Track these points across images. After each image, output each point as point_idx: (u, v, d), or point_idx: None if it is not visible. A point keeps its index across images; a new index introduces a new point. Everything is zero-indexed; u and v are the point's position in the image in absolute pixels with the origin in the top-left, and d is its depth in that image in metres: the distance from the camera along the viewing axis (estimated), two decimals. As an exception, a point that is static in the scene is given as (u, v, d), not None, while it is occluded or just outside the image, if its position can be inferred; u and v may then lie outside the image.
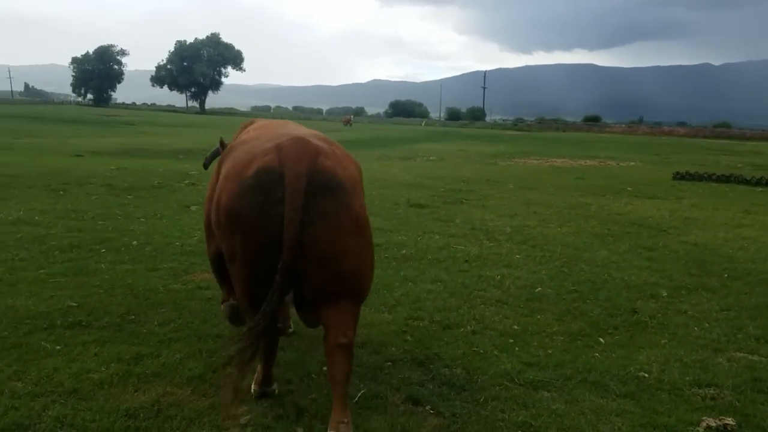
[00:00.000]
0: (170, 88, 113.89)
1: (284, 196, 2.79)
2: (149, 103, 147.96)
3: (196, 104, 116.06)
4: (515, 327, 5.03)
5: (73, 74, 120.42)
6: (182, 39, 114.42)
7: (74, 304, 4.96)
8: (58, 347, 4.13)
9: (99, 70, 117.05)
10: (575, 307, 5.55)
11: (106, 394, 3.53)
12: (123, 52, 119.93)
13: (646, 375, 4.13)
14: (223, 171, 3.23)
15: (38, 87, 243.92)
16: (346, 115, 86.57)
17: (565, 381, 4.00)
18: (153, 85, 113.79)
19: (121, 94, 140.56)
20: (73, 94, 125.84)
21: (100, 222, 8.22)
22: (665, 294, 6.02)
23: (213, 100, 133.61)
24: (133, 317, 4.81)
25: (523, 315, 5.33)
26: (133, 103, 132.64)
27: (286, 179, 2.81)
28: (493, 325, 5.04)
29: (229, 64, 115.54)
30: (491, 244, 8.01)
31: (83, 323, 4.58)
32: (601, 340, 4.81)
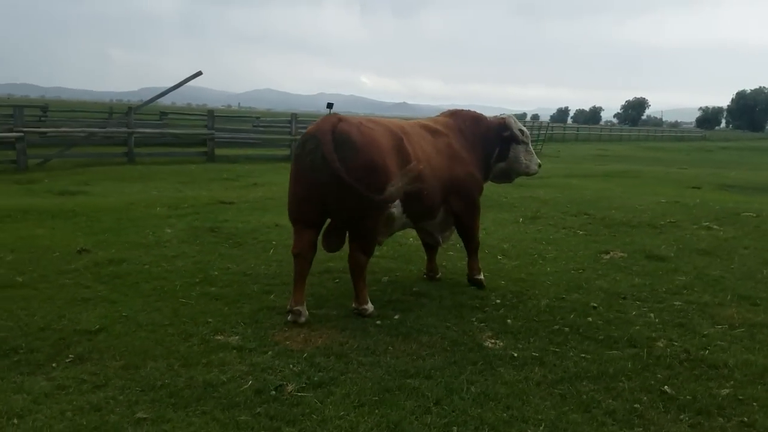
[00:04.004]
0: None
1: (314, 148, 4.22)
2: None
3: None
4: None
5: None
6: None
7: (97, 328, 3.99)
8: None
9: None
10: None
11: None
12: None
13: None
14: None
15: None
16: None
17: None
18: None
19: None
20: None
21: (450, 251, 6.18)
22: None
23: None
24: (72, 356, 3.57)
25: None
26: None
27: (318, 137, 4.24)
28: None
29: None
30: None
31: (19, 351, 3.60)
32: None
